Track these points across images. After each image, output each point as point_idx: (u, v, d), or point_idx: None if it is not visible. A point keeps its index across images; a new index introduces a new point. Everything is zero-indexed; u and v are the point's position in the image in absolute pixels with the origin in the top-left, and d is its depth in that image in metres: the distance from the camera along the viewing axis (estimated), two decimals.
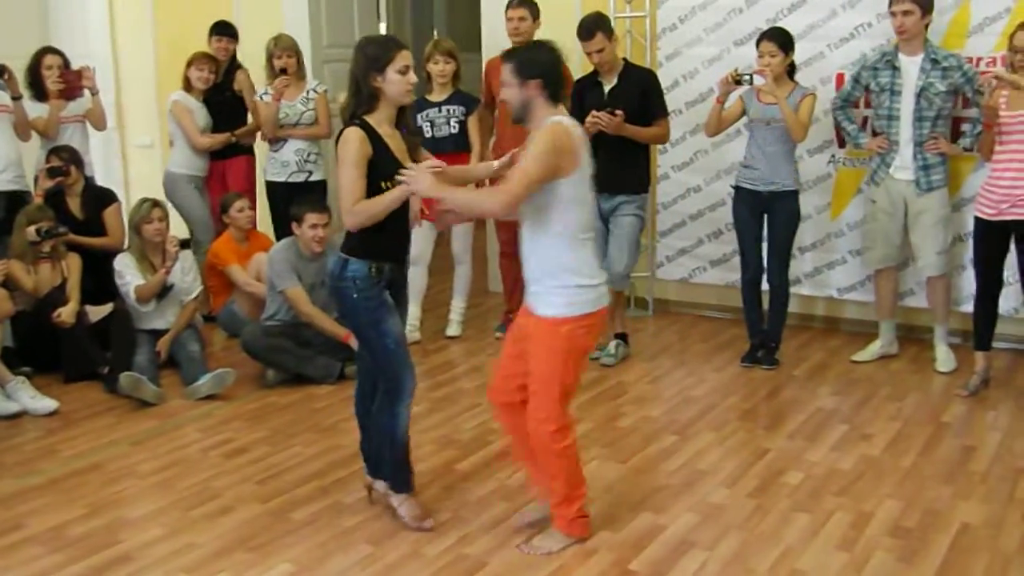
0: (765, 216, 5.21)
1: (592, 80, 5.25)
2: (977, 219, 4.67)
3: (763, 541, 3.42)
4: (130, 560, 3.34)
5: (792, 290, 5.47)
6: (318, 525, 3.58)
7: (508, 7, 5.50)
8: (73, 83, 5.81)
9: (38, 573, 3.26)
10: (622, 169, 5.17)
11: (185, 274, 5.39)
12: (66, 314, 5.15)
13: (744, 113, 5.19)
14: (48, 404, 4.74)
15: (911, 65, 4.95)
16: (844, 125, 5.28)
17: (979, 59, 5.09)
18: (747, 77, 4.99)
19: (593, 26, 5.06)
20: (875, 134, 5.17)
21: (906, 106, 4.97)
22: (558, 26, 5.79)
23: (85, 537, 3.51)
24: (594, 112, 5.00)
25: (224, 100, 6.26)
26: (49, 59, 5.83)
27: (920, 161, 4.99)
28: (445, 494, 3.79)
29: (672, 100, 5.86)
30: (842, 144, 5.58)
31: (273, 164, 6.09)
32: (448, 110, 5.58)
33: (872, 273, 5.43)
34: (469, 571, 3.22)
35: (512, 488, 3.86)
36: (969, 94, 4.97)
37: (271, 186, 6.09)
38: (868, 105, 5.28)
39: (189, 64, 6.14)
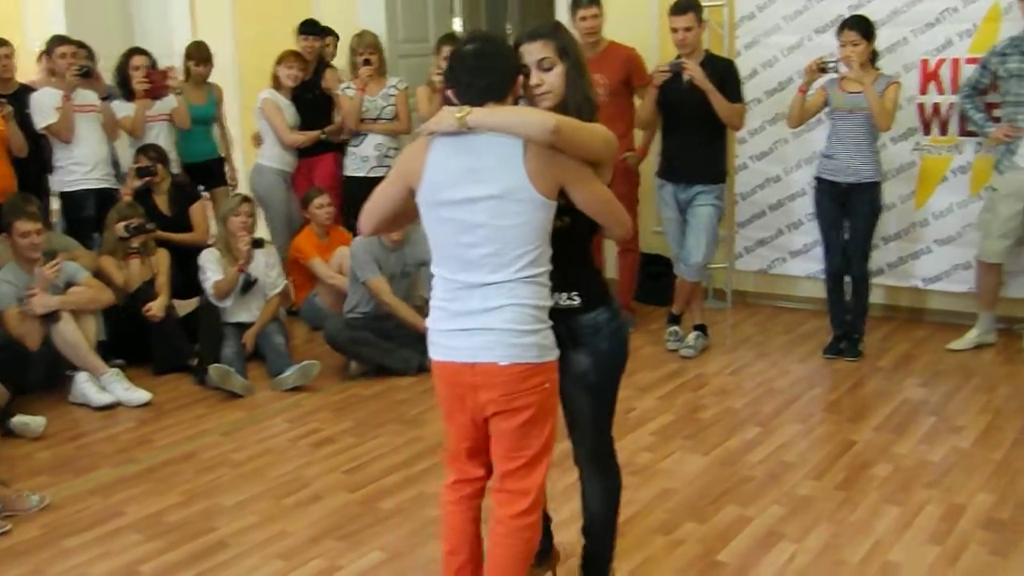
0: (846, 207, 5.14)
1: (675, 75, 5.20)
2: None
3: (853, 533, 3.38)
4: (226, 547, 3.43)
5: (876, 280, 5.39)
6: (406, 514, 3.63)
7: (578, 7, 5.47)
8: (158, 83, 5.96)
9: (138, 559, 3.37)
10: (699, 158, 5.15)
11: (269, 269, 5.49)
12: (156, 308, 5.29)
13: (826, 103, 5.13)
14: (142, 395, 4.87)
15: None
16: (971, 114, 5.14)
17: None
18: (832, 65, 4.92)
19: (687, 5, 5.05)
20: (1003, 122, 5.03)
21: None
22: (632, 18, 5.84)
23: (182, 524, 3.61)
24: (658, 69, 5.06)
25: (313, 98, 6.35)
26: (137, 60, 5.98)
27: None
28: None
29: (751, 89, 5.83)
30: (927, 131, 5.47)
31: (353, 159, 6.18)
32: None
33: (968, 262, 5.31)
34: (560, 560, 3.23)
35: (640, 466, 3.86)
36: None
37: (351, 181, 6.18)
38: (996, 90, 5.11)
39: (278, 62, 6.25)
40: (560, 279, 2.56)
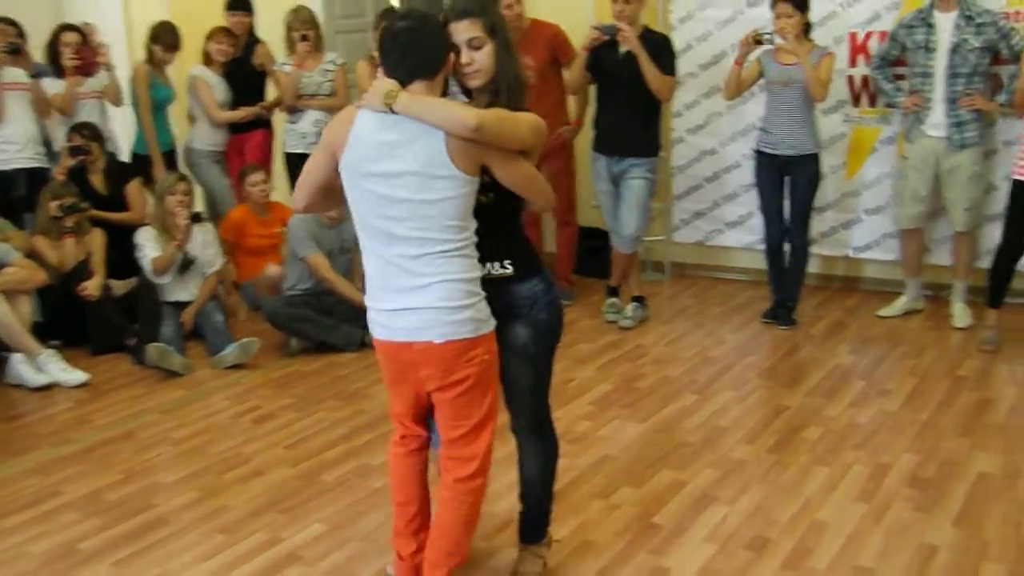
0: (786, 179, 5.24)
1: (609, 41, 5.24)
2: (1016, 181, 4.62)
3: (783, 494, 3.49)
4: (166, 523, 3.43)
5: (811, 250, 5.50)
6: (347, 486, 3.66)
7: None
8: (88, 59, 5.86)
9: (76, 537, 3.36)
10: (632, 131, 5.20)
11: (207, 247, 5.46)
12: (92, 287, 5.24)
13: (761, 75, 5.21)
14: (78, 376, 4.83)
15: (946, 21, 4.95)
16: (882, 84, 5.27)
17: (1017, 12, 5.06)
18: (768, 37, 5.00)
19: None
20: (911, 93, 5.16)
21: (940, 63, 4.97)
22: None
23: (120, 502, 3.61)
24: (592, 26, 5.09)
25: (244, 74, 6.29)
26: (67, 36, 5.86)
27: (953, 118, 4.99)
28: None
29: (685, 63, 5.89)
30: (856, 103, 5.59)
31: (292, 135, 6.14)
32: None
33: (896, 231, 5.45)
34: (496, 527, 3.29)
35: (579, 434, 3.92)
36: (1005, 50, 4.94)
37: (290, 157, 6.14)
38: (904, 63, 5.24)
39: (208, 38, 6.17)
40: (491, 249, 2.61)
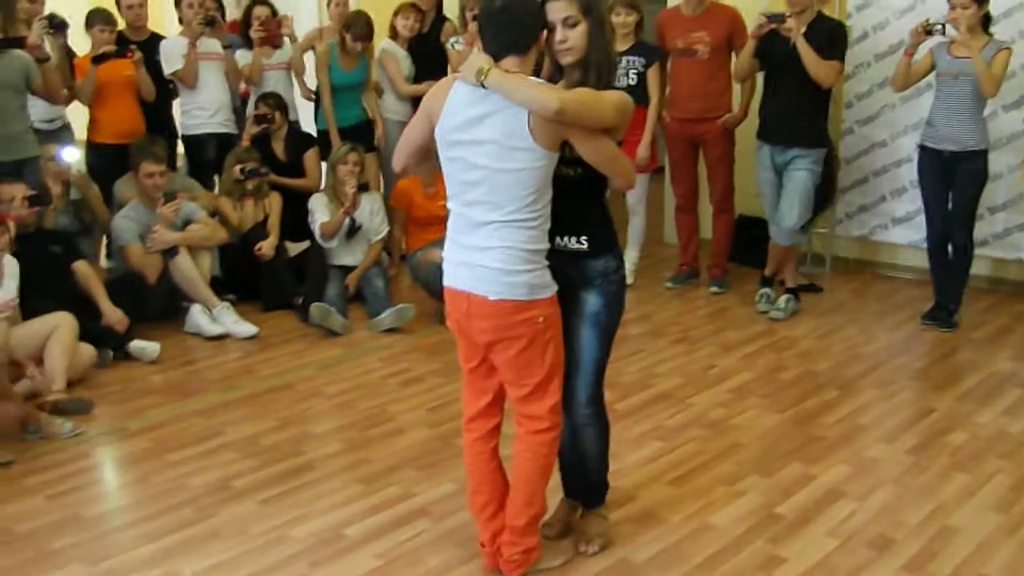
0: (950, 176, 5.05)
1: (773, 31, 5.16)
2: None
3: (916, 496, 3.42)
4: (312, 469, 3.68)
5: (980, 252, 5.29)
6: None
7: None
8: (273, 31, 6.21)
9: (232, 475, 3.64)
10: (799, 121, 5.12)
11: (373, 215, 5.73)
12: (267, 247, 5.60)
13: (933, 67, 5.03)
14: (249, 328, 5.19)
15: None
16: None
17: None
18: (939, 27, 4.83)
19: None
20: None
21: None
22: None
23: (274, 447, 3.88)
24: (762, 13, 5.05)
25: (429, 49, 6.48)
26: (258, 10, 6.24)
27: None
28: (614, 424, 3.93)
29: (861, 52, 5.76)
30: None
31: None
32: (628, 60, 5.64)
33: None
34: (618, 503, 3.37)
35: (670, 428, 3.98)
36: None
37: None
38: None
39: (396, 13, 6.42)
40: (569, 224, 2.73)
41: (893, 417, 4.09)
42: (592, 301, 2.82)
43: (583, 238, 2.77)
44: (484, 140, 2.60)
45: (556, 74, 2.72)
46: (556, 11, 2.62)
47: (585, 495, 3.17)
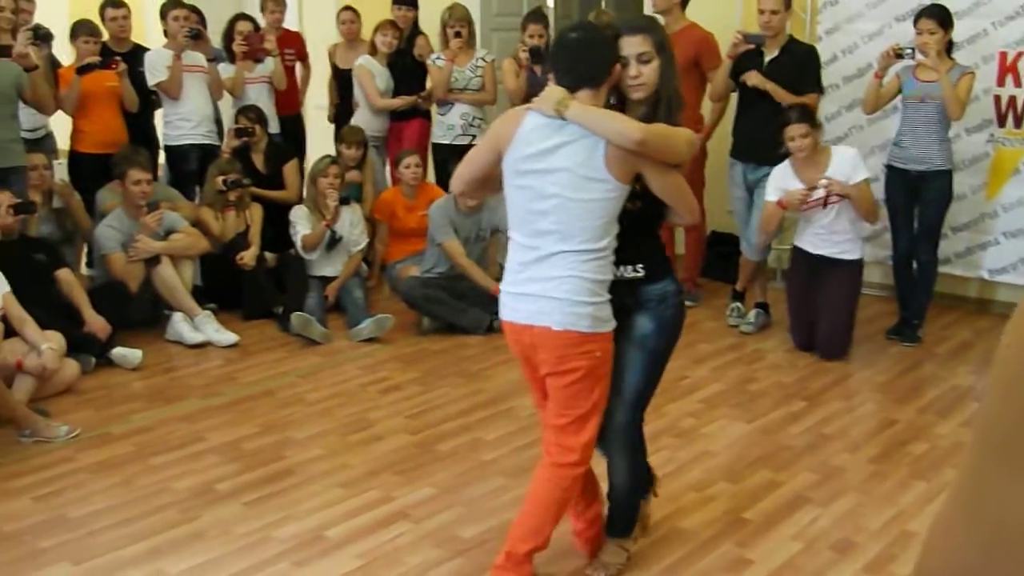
0: (916, 195, 5.22)
1: (755, 49, 5.32)
2: None
3: (878, 502, 3.55)
4: (292, 474, 3.77)
5: (942, 269, 5.46)
6: (459, 457, 3.92)
7: None
8: (255, 46, 6.32)
9: (215, 478, 3.73)
10: (770, 140, 5.26)
11: (353, 227, 5.84)
12: (248, 257, 5.69)
13: (900, 90, 5.20)
14: (230, 337, 5.27)
15: None
16: None
17: None
18: (909, 51, 4.99)
19: None
20: None
21: None
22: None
23: (256, 452, 3.97)
24: (739, 31, 5.24)
25: (405, 65, 6.63)
26: (240, 25, 6.37)
27: None
28: None
29: (830, 75, 5.92)
30: (1002, 123, 5.50)
31: (440, 127, 6.47)
32: None
33: None
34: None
35: (684, 429, 4.11)
36: None
37: (437, 148, 6.47)
38: None
39: (375, 30, 6.56)
40: (627, 254, 2.77)
41: (857, 427, 4.24)
42: (643, 324, 2.84)
43: (639, 266, 2.81)
44: (557, 169, 2.65)
45: (618, 108, 2.75)
46: (631, 46, 2.68)
47: (608, 522, 3.11)
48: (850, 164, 4.89)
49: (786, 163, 5.02)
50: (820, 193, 4.85)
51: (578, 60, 2.68)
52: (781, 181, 4.99)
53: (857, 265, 5.06)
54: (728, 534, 3.33)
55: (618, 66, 2.68)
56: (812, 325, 5.08)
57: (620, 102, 2.78)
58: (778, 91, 5.13)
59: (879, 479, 3.74)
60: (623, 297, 2.77)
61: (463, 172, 2.91)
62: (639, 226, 2.78)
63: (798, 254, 5.16)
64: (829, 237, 4.98)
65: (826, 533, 3.34)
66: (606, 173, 2.61)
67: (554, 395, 2.80)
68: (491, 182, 2.87)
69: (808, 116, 4.92)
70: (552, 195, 2.65)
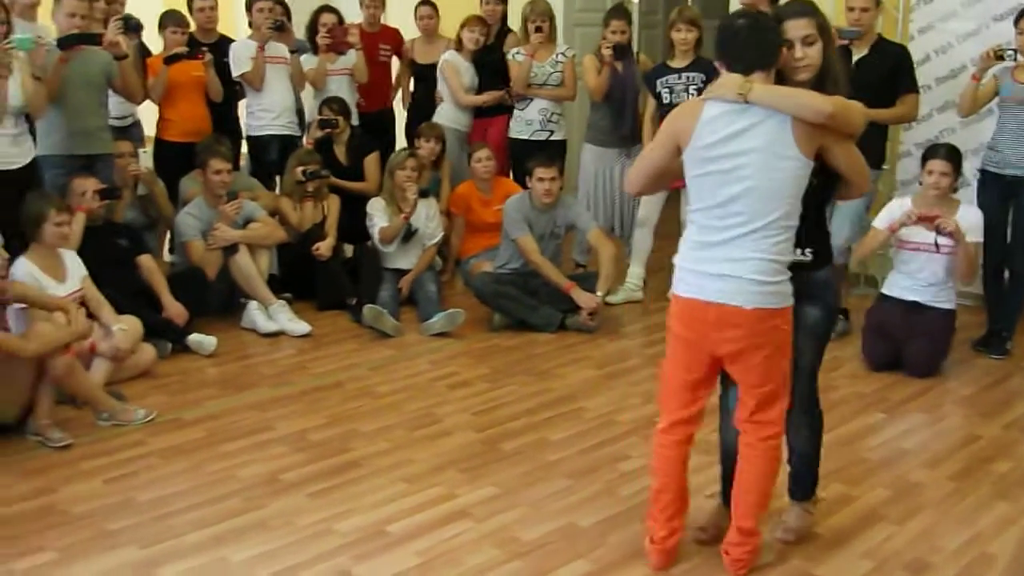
0: (1011, 202, 5.02)
1: (842, 47, 5.16)
2: None
3: (956, 522, 3.41)
4: (358, 466, 3.78)
5: None
6: (524, 456, 3.88)
7: None
8: (339, 39, 6.35)
9: (281, 468, 3.75)
10: (859, 143, 5.10)
11: (429, 220, 5.84)
12: (324, 248, 5.73)
13: (997, 92, 5.00)
14: (303, 327, 5.31)
15: None
16: None
17: None
18: (1010, 53, 4.82)
19: None
20: None
21: None
22: None
23: (323, 443, 3.99)
24: (837, 28, 4.99)
25: (493, 61, 6.57)
26: (325, 17, 6.40)
27: None
28: (643, 441, 3.98)
29: (922, 75, 5.69)
30: None
31: (518, 122, 6.42)
32: (688, 77, 5.69)
33: None
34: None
35: (713, 443, 4.00)
36: None
37: (514, 143, 6.43)
38: None
39: (463, 26, 6.54)
40: (800, 236, 2.83)
41: (937, 442, 4.09)
42: (813, 313, 2.95)
43: (808, 250, 2.90)
44: (747, 151, 2.73)
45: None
46: (796, 29, 2.77)
47: (792, 486, 3.29)
48: (973, 222, 4.74)
49: (908, 199, 4.89)
50: (940, 237, 4.69)
51: (749, 46, 2.76)
52: (898, 214, 4.83)
53: (952, 315, 4.88)
54: (797, 549, 3.22)
55: (784, 49, 2.76)
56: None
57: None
58: (883, 115, 4.94)
59: (958, 497, 3.60)
60: (791, 281, 2.84)
61: (639, 170, 3.00)
62: (812, 206, 2.85)
63: (887, 303, 4.97)
64: (926, 288, 4.83)
65: (899, 553, 3.22)
66: (796, 150, 2.69)
67: (748, 373, 2.88)
68: (666, 177, 3.00)
69: (956, 157, 4.78)
70: (744, 177, 2.73)
